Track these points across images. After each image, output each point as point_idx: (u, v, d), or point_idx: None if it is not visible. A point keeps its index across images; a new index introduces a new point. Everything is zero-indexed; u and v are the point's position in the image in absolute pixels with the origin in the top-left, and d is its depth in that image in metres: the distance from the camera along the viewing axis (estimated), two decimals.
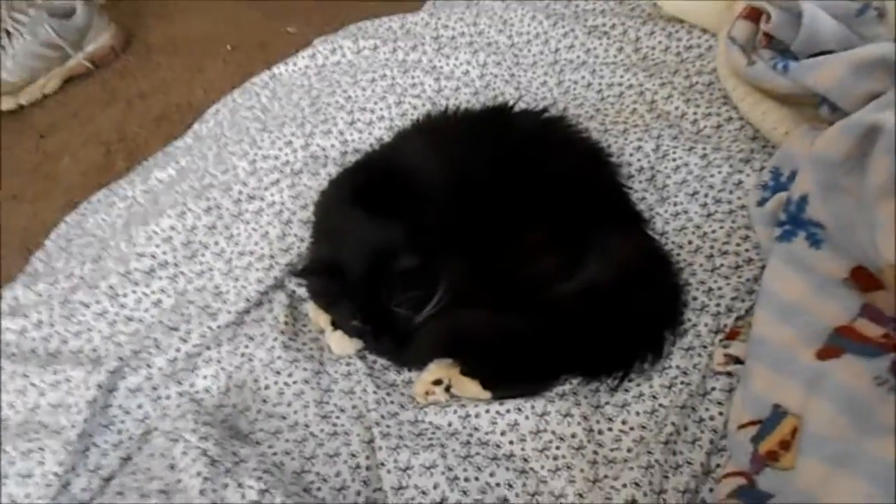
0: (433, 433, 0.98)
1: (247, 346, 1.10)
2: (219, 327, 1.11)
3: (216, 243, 1.24)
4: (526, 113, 1.22)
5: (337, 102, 1.42)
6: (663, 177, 1.24)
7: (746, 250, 1.12)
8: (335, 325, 1.08)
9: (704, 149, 1.25)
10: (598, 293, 1.03)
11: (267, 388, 1.05)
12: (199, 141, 1.49)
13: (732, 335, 1.02)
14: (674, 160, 1.25)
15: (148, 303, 1.17)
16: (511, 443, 0.96)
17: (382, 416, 1.00)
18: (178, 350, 1.08)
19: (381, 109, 1.40)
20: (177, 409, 1.01)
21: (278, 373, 1.06)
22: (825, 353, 0.84)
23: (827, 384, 0.81)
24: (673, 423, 0.93)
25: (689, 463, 0.90)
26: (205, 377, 1.08)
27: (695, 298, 1.08)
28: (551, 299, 1.03)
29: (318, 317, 1.12)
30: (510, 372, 1.01)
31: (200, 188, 1.29)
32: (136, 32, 2.05)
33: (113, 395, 1.04)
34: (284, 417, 1.01)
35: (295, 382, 1.05)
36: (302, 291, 1.18)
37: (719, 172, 1.21)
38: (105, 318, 1.14)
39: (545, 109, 1.23)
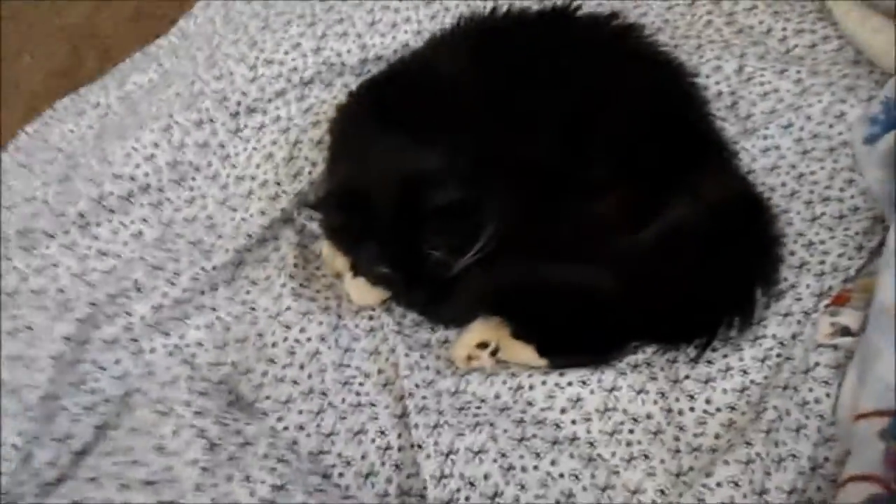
0: (478, 408, 0.81)
1: (248, 292, 0.92)
2: (214, 268, 0.92)
3: (209, 164, 1.03)
4: (591, 18, 0.99)
5: None
6: (748, 104, 1.04)
7: (852, 197, 0.93)
8: (356, 270, 0.89)
9: (799, 72, 1.05)
10: (679, 243, 0.85)
11: (274, 345, 0.86)
12: (187, 40, 1.24)
13: (840, 300, 0.85)
14: (761, 84, 1.05)
15: (126, 235, 0.97)
16: (574, 422, 0.79)
17: (417, 385, 0.82)
18: (164, 295, 0.89)
19: (406, 10, 1.16)
20: (165, 371, 0.83)
21: (288, 327, 0.87)
22: None
23: None
24: (775, 407, 0.77)
25: (794, 456, 0.74)
26: (197, 328, 0.89)
27: (792, 253, 0.90)
28: (623, 249, 0.84)
29: (334, 259, 0.92)
30: (572, 336, 0.84)
31: (189, 97, 1.07)
32: None
33: (84, 347, 0.85)
34: (296, 382, 0.83)
35: (309, 339, 0.86)
36: (315, 227, 0.98)
37: (819, 101, 1.00)
38: (74, 253, 0.94)
39: (614, 14, 1.00)
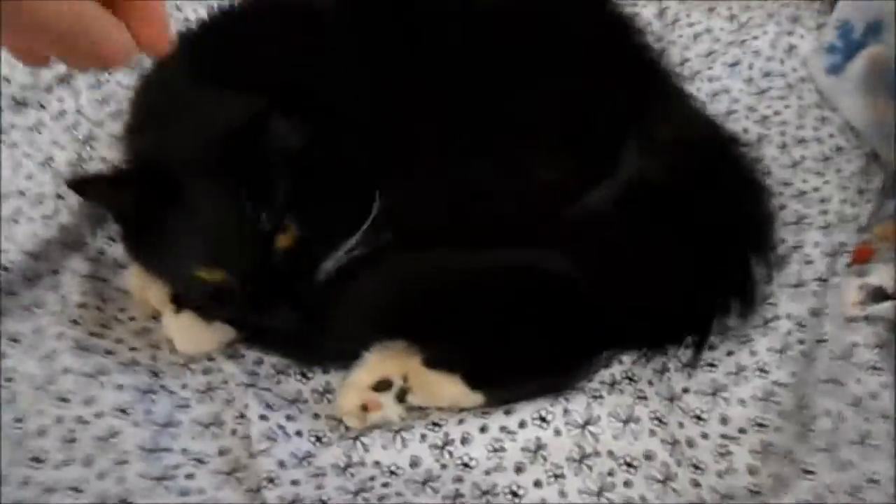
0: (386, 485, 0.51)
1: (5, 357, 0.57)
2: None
3: None
4: None
5: None
6: (679, 49, 0.85)
7: (831, 136, 0.74)
8: (179, 301, 0.58)
9: (730, 8, 0.87)
10: (643, 204, 0.60)
11: (42, 432, 0.52)
12: None
13: (863, 256, 0.63)
14: (690, 26, 0.87)
15: None
16: (538, 484, 0.50)
17: (282, 464, 0.51)
18: None
19: None
20: None
21: (65, 399, 0.54)
22: None
23: None
24: (827, 413, 0.52)
25: (874, 481, 0.49)
26: None
27: (783, 207, 0.68)
28: (575, 221, 0.59)
29: (145, 289, 0.61)
30: (515, 352, 0.56)
31: None
32: None
33: None
34: (79, 490, 0.49)
35: (99, 416, 0.53)
36: (116, 252, 0.66)
37: (764, 34, 0.82)
38: None
39: None
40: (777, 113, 0.76)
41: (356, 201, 0.55)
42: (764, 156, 0.71)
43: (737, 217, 0.63)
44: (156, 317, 0.61)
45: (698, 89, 0.78)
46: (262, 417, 0.53)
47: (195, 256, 0.50)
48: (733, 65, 0.80)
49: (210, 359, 0.59)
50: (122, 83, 0.77)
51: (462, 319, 0.55)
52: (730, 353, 0.58)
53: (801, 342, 0.58)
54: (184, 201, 0.50)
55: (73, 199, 0.68)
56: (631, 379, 0.56)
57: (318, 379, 0.58)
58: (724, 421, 0.55)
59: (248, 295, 0.51)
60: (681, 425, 0.54)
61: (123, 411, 0.53)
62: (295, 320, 0.52)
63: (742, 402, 0.56)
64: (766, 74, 0.80)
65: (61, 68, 0.76)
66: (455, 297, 0.56)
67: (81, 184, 0.52)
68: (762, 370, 0.57)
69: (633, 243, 0.59)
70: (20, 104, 0.74)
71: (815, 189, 0.68)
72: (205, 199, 0.50)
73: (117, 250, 0.66)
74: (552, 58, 0.62)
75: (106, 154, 0.71)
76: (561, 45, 0.63)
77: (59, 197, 0.68)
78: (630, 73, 0.65)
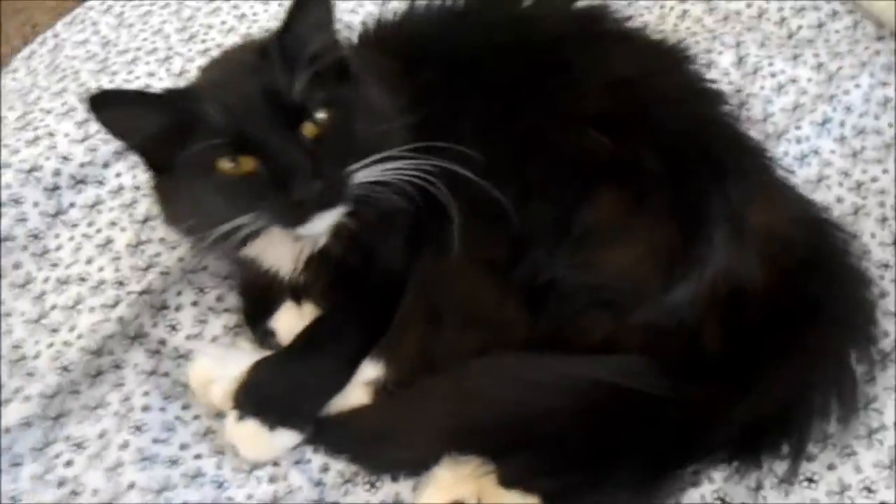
0: None
1: (69, 464, 0.56)
2: (7, 431, 0.57)
3: (16, 266, 0.69)
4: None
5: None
6: (762, 102, 0.79)
7: None
8: (238, 398, 0.56)
9: (816, 56, 0.81)
10: (736, 298, 0.55)
11: None
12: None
13: None
14: (772, 76, 0.80)
15: None
16: None
17: None
18: None
19: None
20: None
21: None
22: None
23: None
24: None
25: None
26: None
27: (883, 295, 0.62)
28: (658, 325, 0.54)
29: (208, 386, 0.59)
30: (599, 471, 0.52)
31: None
32: None
33: None
34: None
35: None
36: (180, 341, 0.65)
37: (856, 87, 0.76)
38: None
39: None
40: (874, 179, 0.70)
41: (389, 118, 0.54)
42: (860, 230, 0.66)
43: (832, 311, 0.58)
44: (219, 414, 0.60)
45: (785, 152, 0.72)
46: None
47: (222, 144, 0.50)
48: (823, 123, 0.74)
49: (274, 464, 0.57)
50: None
51: (541, 435, 0.52)
52: (831, 468, 0.54)
53: None
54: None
55: (135, 283, 0.66)
56: (723, 501, 0.52)
57: (387, 488, 0.56)
58: None
59: (279, 171, 0.50)
60: None
61: None
62: (329, 199, 0.51)
63: None
64: (860, 132, 0.74)
65: (118, 143, 0.75)
66: (533, 410, 0.53)
67: (103, 98, 0.51)
68: (868, 489, 0.52)
69: (723, 348, 0.54)
70: (79, 182, 0.73)
71: None
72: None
73: (178, 339, 0.65)
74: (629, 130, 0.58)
75: (164, 235, 0.70)
76: (637, 118, 0.59)
77: (120, 283, 0.67)
78: (716, 150, 0.60)
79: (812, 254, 0.59)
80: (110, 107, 0.52)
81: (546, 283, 0.54)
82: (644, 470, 0.52)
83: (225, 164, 0.51)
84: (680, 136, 0.57)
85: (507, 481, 0.52)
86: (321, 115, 0.52)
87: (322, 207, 0.51)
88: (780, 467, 0.54)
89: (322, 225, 0.53)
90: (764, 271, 0.56)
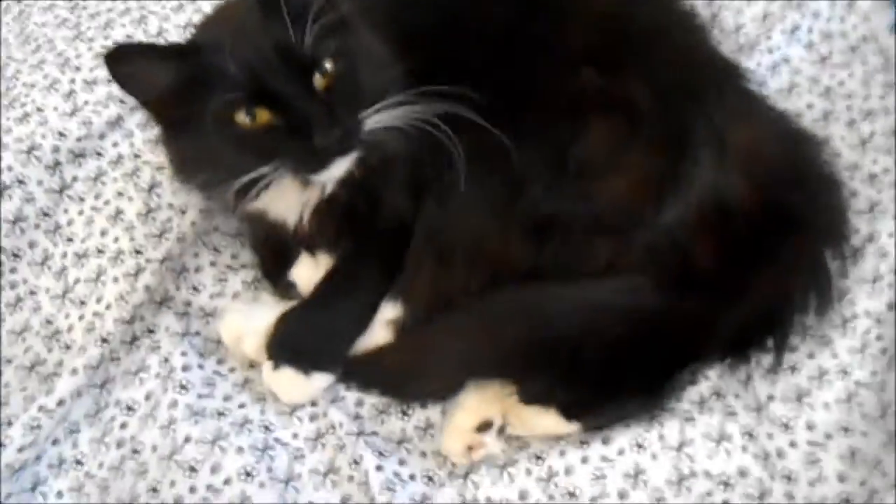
0: None
1: (124, 426, 0.61)
2: (61, 402, 0.61)
3: (32, 245, 0.71)
4: None
5: None
6: (732, 13, 0.80)
7: None
8: (273, 354, 0.61)
9: None
10: (720, 212, 0.60)
11: (179, 503, 0.57)
12: None
13: None
14: None
15: None
16: None
17: None
18: None
19: None
20: None
21: (193, 469, 0.58)
22: None
23: None
24: None
25: None
26: (59, 495, 0.59)
27: (854, 193, 0.67)
28: (653, 246, 0.59)
29: (239, 339, 0.63)
30: (609, 380, 0.58)
31: None
32: None
33: None
34: None
35: (227, 482, 0.57)
36: (205, 300, 0.68)
37: None
38: None
39: None
40: (841, 83, 0.74)
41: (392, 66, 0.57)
42: (830, 134, 0.70)
43: (810, 214, 0.63)
44: (254, 365, 0.64)
45: (758, 63, 0.76)
46: (378, 468, 0.57)
47: (240, 98, 0.52)
48: (793, 30, 0.77)
49: (313, 404, 0.62)
50: None
51: (558, 355, 0.58)
52: (811, 356, 0.61)
53: (879, 338, 0.60)
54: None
55: (152, 251, 0.69)
56: (719, 394, 0.59)
57: (419, 415, 0.62)
58: (810, 427, 0.58)
59: (299, 121, 0.53)
60: (770, 436, 0.57)
61: (248, 474, 0.57)
62: (346, 145, 0.54)
63: (826, 405, 0.58)
64: (827, 36, 0.77)
65: (112, 112, 0.76)
66: (550, 334, 0.58)
67: (118, 53, 0.52)
68: (844, 371, 0.59)
69: (713, 263, 0.59)
70: (79, 156, 0.74)
71: (886, 171, 0.68)
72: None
73: (202, 299, 0.69)
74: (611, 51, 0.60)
75: (171, 200, 0.72)
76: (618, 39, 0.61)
77: (137, 252, 0.69)
78: (698, 76, 0.63)
79: (788, 166, 0.64)
80: (127, 61, 0.53)
81: (548, 217, 0.58)
82: (650, 376, 0.59)
83: (241, 117, 0.53)
84: (664, 65, 0.60)
85: (528, 399, 0.58)
86: (329, 65, 0.54)
87: (341, 153, 0.54)
88: (767, 360, 0.60)
89: (339, 170, 0.56)
90: (746, 188, 0.60)
